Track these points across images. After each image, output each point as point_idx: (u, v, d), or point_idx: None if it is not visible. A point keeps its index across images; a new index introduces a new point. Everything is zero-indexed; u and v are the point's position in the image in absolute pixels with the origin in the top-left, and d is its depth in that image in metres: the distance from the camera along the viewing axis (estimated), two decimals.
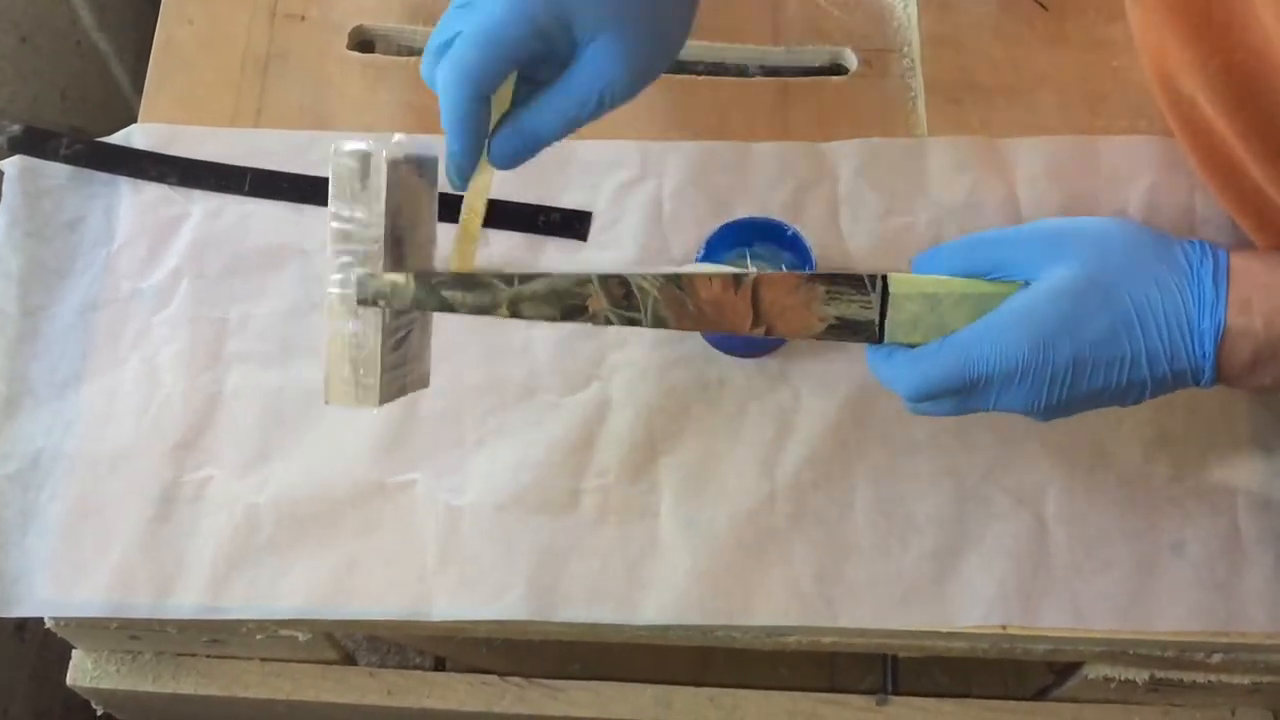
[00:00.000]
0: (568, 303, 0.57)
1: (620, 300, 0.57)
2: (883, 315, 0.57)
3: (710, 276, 0.57)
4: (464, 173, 0.58)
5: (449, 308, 0.57)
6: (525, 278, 0.57)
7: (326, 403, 0.58)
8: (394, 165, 0.56)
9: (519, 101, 0.58)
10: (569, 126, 0.58)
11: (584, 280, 0.57)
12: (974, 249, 0.59)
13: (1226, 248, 0.57)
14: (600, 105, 0.57)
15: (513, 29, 0.55)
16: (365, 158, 0.55)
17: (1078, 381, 0.57)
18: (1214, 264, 0.56)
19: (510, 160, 0.59)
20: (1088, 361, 0.56)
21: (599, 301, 0.57)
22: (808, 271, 0.62)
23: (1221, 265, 0.56)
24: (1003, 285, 0.58)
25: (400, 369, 0.59)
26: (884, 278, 0.57)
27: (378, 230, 0.56)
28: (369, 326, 0.57)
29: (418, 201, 0.58)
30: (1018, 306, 0.56)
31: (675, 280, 0.57)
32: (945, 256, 0.60)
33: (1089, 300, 0.56)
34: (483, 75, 0.55)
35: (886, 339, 0.58)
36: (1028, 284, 0.57)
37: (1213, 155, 0.73)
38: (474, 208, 0.60)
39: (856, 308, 0.57)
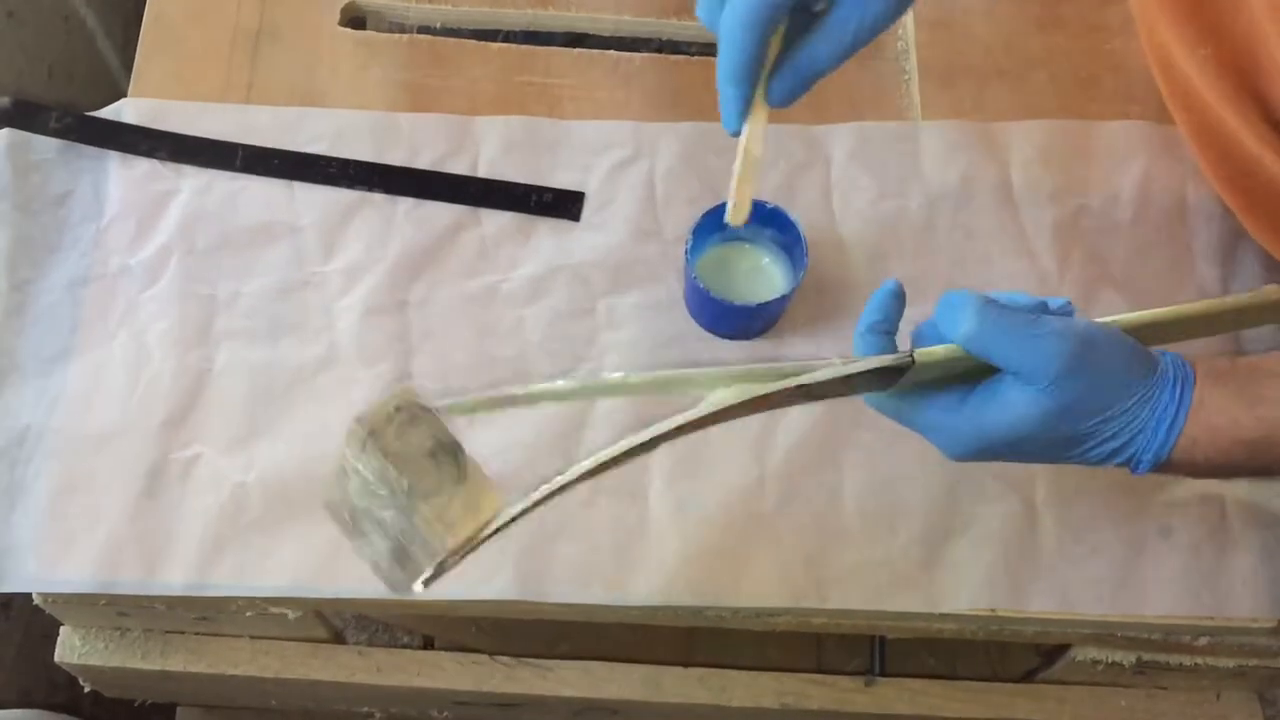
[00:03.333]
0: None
1: None
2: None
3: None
4: (743, 115, 0.60)
5: None
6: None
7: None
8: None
9: (789, 42, 0.59)
10: (843, 58, 0.59)
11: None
12: (995, 335, 0.54)
13: (1194, 366, 0.56)
14: (869, 33, 0.59)
15: None
16: None
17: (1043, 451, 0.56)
18: (1174, 412, 0.55)
19: (790, 98, 0.60)
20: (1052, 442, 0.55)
21: None
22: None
23: (1182, 412, 0.55)
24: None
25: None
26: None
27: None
28: None
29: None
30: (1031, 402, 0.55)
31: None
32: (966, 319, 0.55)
33: (1076, 411, 0.54)
34: (771, 15, 0.57)
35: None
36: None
37: (1206, 129, 0.73)
38: (753, 152, 0.60)
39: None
